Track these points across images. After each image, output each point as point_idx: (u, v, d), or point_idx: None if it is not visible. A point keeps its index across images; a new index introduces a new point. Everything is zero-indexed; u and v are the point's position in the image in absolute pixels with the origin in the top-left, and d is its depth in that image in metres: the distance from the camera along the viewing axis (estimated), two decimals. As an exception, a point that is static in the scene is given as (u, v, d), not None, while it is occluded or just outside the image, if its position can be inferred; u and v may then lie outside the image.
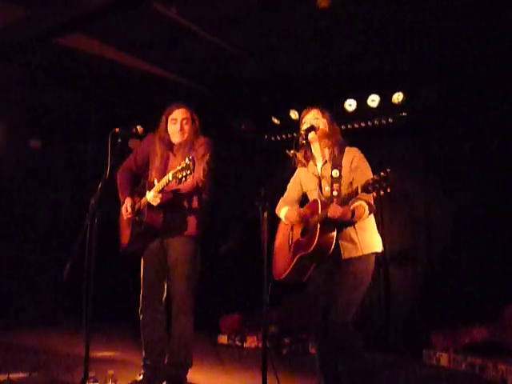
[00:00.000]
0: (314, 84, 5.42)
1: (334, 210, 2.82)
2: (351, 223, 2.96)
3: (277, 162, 3.27)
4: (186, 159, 3.15)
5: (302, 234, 3.06)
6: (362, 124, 5.39)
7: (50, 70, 5.55)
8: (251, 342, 5.37)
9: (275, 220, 3.30)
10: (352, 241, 2.98)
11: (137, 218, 3.57)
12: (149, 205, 3.45)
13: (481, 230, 4.85)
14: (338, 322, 2.89)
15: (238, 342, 5.44)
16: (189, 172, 3.13)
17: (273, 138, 6.13)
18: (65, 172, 6.99)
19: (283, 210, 3.26)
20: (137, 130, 3.61)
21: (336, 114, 5.48)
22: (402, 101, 5.15)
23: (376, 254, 3.04)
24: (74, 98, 6.07)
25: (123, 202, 3.65)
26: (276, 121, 5.98)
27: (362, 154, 3.08)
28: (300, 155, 3.15)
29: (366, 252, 2.98)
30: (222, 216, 5.67)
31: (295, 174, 3.27)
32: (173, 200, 3.48)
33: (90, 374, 3.30)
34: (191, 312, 3.56)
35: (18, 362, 4.13)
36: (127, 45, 5.14)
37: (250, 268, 4.40)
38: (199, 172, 3.47)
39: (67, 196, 6.86)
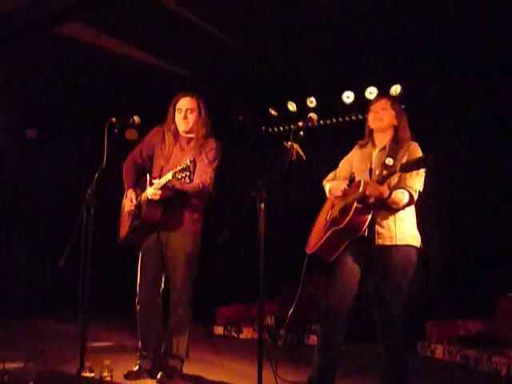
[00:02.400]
0: (312, 76, 5.40)
1: (373, 189, 2.84)
2: (389, 209, 2.97)
3: (274, 153, 3.25)
4: (188, 160, 3.13)
5: (341, 211, 3.07)
6: (360, 116, 5.38)
7: (47, 58, 5.51)
8: (247, 333, 5.39)
9: (273, 211, 3.30)
10: (388, 228, 2.99)
11: (136, 211, 3.56)
12: (148, 200, 3.43)
13: (478, 224, 4.87)
14: (384, 318, 2.97)
15: (233, 333, 5.46)
16: (188, 173, 3.11)
17: (270, 130, 6.12)
18: (61, 162, 6.96)
19: (330, 184, 3.28)
20: (133, 120, 3.58)
21: (333, 106, 5.49)
22: (400, 93, 5.15)
23: (414, 248, 3.03)
24: (71, 87, 6.04)
25: (126, 194, 3.64)
26: (274, 112, 5.97)
27: (419, 149, 3.07)
28: (366, 138, 3.20)
29: (400, 243, 2.98)
30: (219, 207, 5.67)
31: (350, 154, 3.29)
32: (174, 197, 3.45)
33: (86, 364, 3.30)
34: (189, 304, 3.56)
35: (14, 351, 4.13)
36: (125, 35, 5.11)
37: (247, 259, 4.41)
38: (206, 177, 3.46)
39: (64, 185, 6.84)
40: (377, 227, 2.98)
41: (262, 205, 2.84)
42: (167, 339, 3.56)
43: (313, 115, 3.13)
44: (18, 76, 5.80)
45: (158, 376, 3.46)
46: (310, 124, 3.10)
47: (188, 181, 3.17)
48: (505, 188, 4.76)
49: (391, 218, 2.99)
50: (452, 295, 4.79)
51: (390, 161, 3.01)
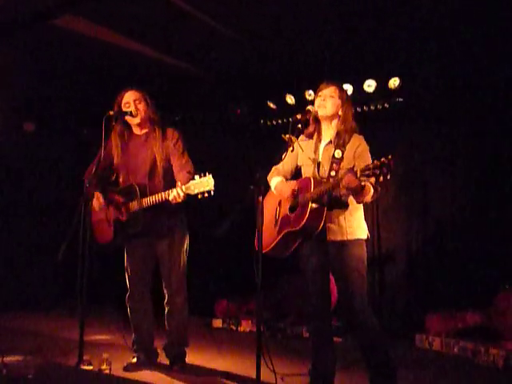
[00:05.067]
0: (309, 69, 5.38)
1: (350, 181, 2.74)
2: (342, 206, 2.96)
3: (272, 146, 3.25)
4: (198, 176, 3.16)
5: (291, 210, 3.05)
6: (358, 109, 5.36)
7: (45, 51, 5.48)
8: (246, 326, 5.40)
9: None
10: (339, 224, 2.98)
11: (125, 219, 3.55)
12: (144, 208, 3.44)
13: (477, 216, 4.86)
14: (356, 310, 2.93)
15: (232, 326, 5.47)
16: (208, 189, 3.16)
17: (269, 123, 6.11)
18: (59, 155, 6.95)
19: (275, 180, 3.23)
20: (131, 113, 3.59)
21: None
22: (399, 86, 5.13)
23: (363, 240, 3.04)
24: (69, 80, 6.01)
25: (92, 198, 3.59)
26: (272, 105, 5.95)
27: (366, 144, 3.05)
28: (311, 127, 3.13)
29: (350, 237, 2.98)
30: (217, 201, 5.66)
31: (295, 147, 3.19)
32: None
33: (85, 358, 3.32)
34: (186, 294, 3.62)
35: (13, 345, 4.14)
36: (123, 27, 5.08)
37: (245, 252, 4.41)
38: (189, 166, 3.49)
39: (62, 178, 6.82)
40: (328, 224, 2.97)
41: (261, 198, 2.84)
42: (169, 329, 3.63)
43: (311, 108, 3.12)
44: (14, 69, 5.77)
45: (174, 367, 3.57)
46: (308, 117, 3.10)
47: (206, 196, 3.18)
48: (505, 182, 4.75)
49: (341, 214, 2.98)
50: (450, 288, 4.80)
51: (338, 153, 2.98)
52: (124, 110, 3.55)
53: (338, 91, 3.09)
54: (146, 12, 4.70)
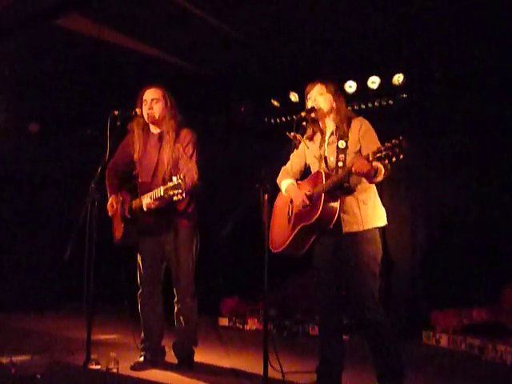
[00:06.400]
0: (313, 66, 5.37)
1: (361, 165, 2.71)
2: (353, 193, 2.94)
3: (277, 144, 3.24)
4: (178, 177, 3.13)
5: (305, 205, 3.02)
6: (362, 106, 5.35)
7: (48, 51, 5.50)
8: (252, 325, 5.40)
9: (275, 199, 3.29)
10: (353, 214, 2.95)
11: (129, 216, 3.57)
12: (142, 207, 3.45)
13: (483, 210, 4.85)
14: (366, 306, 2.90)
15: (238, 325, 5.48)
16: (180, 191, 3.12)
17: (272, 121, 6.11)
18: (63, 156, 6.96)
19: (285, 182, 3.22)
20: (136, 112, 3.60)
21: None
22: (403, 82, 5.12)
23: (379, 228, 3.00)
24: (72, 80, 6.02)
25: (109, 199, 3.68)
26: (276, 103, 5.95)
27: (368, 122, 3.03)
28: (309, 130, 3.12)
29: (366, 227, 2.95)
30: (222, 199, 5.67)
31: (300, 147, 3.19)
32: (168, 204, 3.44)
33: (92, 357, 3.33)
34: (195, 294, 3.62)
35: (21, 344, 4.15)
36: (126, 27, 5.09)
37: (251, 251, 4.41)
38: (192, 174, 3.45)
39: (67, 179, 6.84)
40: (342, 215, 2.94)
41: (266, 196, 2.84)
42: (179, 329, 3.63)
43: (315, 105, 3.11)
44: (18, 70, 5.79)
45: (182, 366, 3.57)
46: (313, 115, 3.09)
47: (180, 198, 3.15)
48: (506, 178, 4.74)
49: (355, 204, 2.95)
50: (456, 285, 4.78)
51: (342, 143, 2.97)
52: (137, 109, 3.58)
53: (324, 87, 3.09)
54: (148, 11, 4.71)
